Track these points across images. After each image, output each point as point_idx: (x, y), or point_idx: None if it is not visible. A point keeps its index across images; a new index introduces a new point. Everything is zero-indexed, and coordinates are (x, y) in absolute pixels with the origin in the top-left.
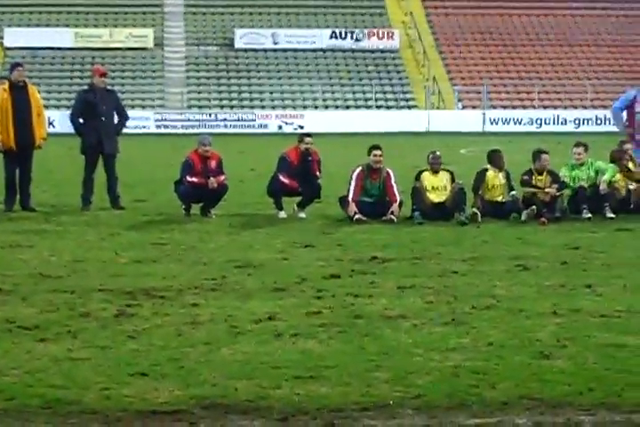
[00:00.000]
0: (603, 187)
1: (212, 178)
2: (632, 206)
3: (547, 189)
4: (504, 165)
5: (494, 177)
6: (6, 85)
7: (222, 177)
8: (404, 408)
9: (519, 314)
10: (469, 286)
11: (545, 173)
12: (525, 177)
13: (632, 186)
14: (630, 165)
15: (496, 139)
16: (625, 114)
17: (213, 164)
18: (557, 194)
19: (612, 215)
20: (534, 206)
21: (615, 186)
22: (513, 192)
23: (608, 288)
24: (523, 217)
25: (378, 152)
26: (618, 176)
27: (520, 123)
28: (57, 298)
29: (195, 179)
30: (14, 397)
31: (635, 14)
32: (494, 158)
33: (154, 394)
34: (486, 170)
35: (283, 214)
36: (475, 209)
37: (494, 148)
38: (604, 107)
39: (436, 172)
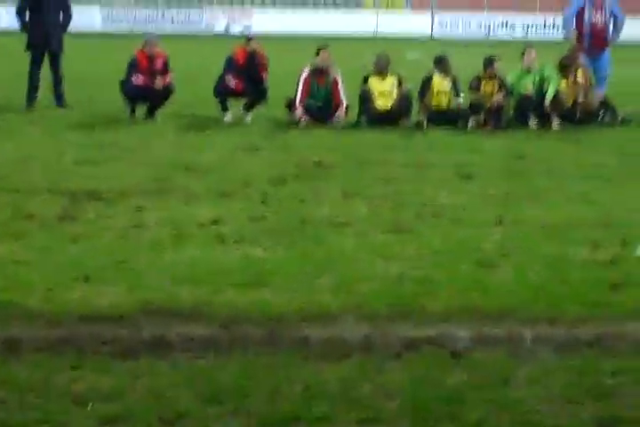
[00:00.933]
0: (547, 104)
1: (158, 78)
2: (578, 117)
3: (494, 98)
4: (450, 70)
5: (440, 83)
6: None
7: (168, 77)
8: (346, 317)
9: (463, 223)
10: (414, 193)
11: (494, 80)
12: (474, 82)
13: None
14: (579, 74)
15: (445, 43)
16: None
17: (159, 62)
18: (503, 102)
19: (558, 126)
20: (480, 114)
21: (562, 97)
22: (460, 99)
23: (552, 198)
24: (469, 125)
25: (325, 52)
26: (563, 85)
27: (469, 26)
28: (0, 198)
29: (140, 78)
30: None
31: None
32: (441, 63)
33: (97, 298)
34: (432, 76)
35: (228, 117)
36: (421, 116)
37: (441, 53)
38: (554, 11)
39: (382, 74)
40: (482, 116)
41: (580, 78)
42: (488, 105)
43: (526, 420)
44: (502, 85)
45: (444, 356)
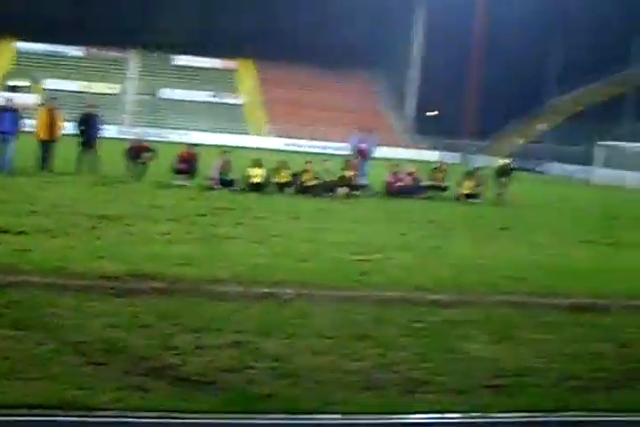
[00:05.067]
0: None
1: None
2: (352, 189)
3: (311, 182)
4: (286, 165)
5: (281, 170)
6: (45, 109)
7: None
8: (231, 281)
9: (295, 240)
10: (270, 225)
11: (310, 172)
12: (300, 174)
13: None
14: (354, 169)
15: (289, 153)
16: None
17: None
18: (316, 182)
19: (344, 195)
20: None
21: (344, 180)
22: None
23: (339, 231)
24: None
25: (227, 154)
26: (347, 173)
27: (307, 146)
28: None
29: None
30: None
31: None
32: (282, 162)
33: (109, 266)
34: (277, 168)
35: (178, 182)
36: (272, 186)
37: (281, 159)
38: (346, 142)
39: (256, 166)
40: (294, 187)
41: (353, 171)
42: (312, 183)
43: None
44: (315, 176)
45: (279, 303)
